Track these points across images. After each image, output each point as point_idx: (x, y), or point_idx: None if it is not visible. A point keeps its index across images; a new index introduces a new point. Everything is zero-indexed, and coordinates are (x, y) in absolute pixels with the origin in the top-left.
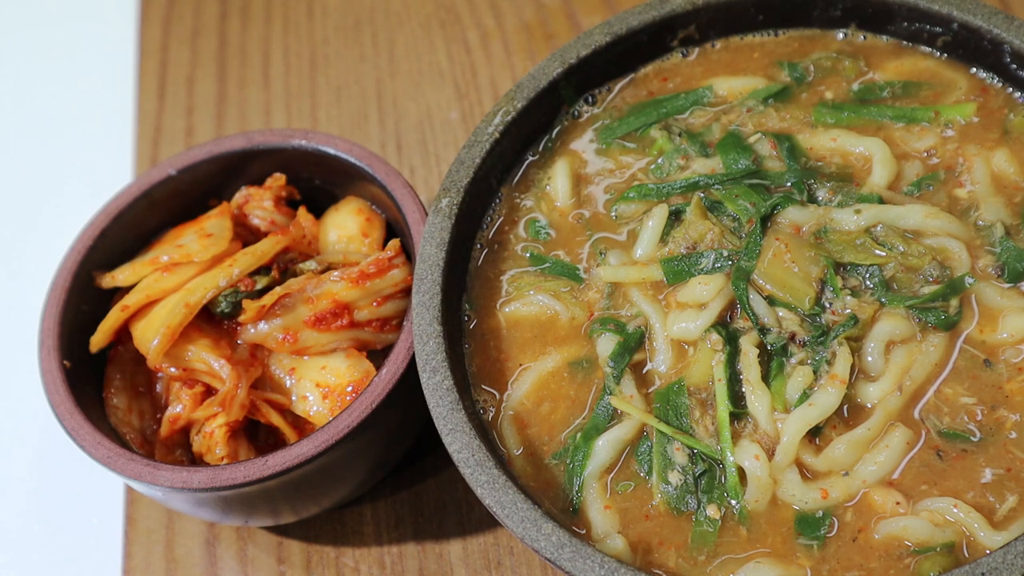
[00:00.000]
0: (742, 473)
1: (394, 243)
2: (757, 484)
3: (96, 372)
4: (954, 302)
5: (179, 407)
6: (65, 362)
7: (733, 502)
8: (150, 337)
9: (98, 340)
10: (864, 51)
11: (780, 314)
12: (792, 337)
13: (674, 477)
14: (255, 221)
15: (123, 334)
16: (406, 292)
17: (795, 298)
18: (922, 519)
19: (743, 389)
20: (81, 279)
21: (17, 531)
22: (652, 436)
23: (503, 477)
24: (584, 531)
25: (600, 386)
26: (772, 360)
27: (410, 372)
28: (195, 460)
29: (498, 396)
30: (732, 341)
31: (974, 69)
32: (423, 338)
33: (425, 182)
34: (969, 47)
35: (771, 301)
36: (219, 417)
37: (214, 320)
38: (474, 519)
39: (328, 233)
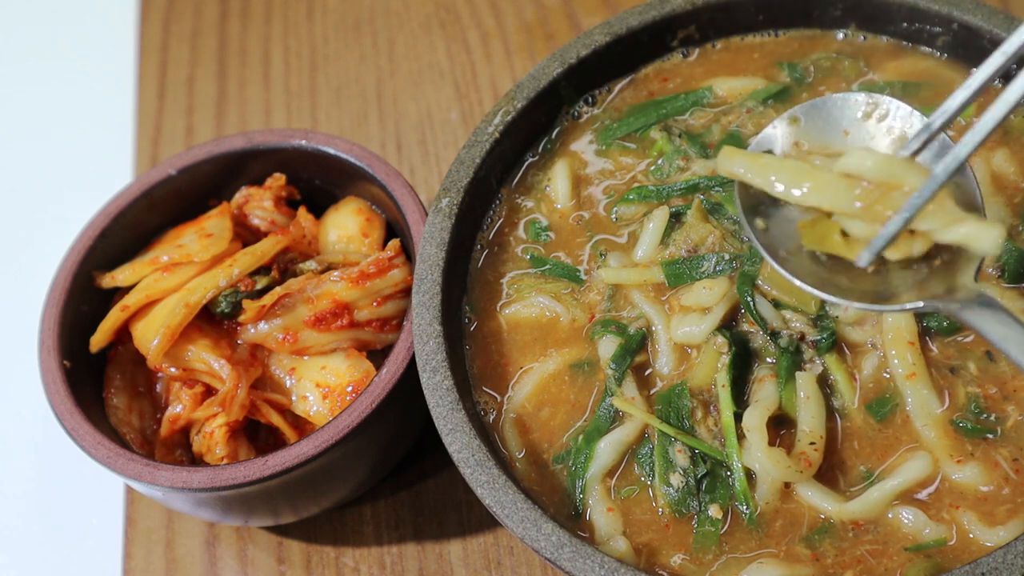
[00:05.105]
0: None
1: (394, 243)
2: (769, 485)
3: (96, 372)
4: None
5: (179, 407)
6: (65, 362)
7: (741, 506)
8: (150, 337)
9: (98, 340)
10: (864, 51)
11: (786, 316)
12: (802, 337)
13: (676, 479)
14: (255, 221)
15: (123, 334)
16: (406, 292)
17: (801, 302)
18: (922, 513)
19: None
20: (81, 279)
21: (17, 531)
22: (654, 438)
23: (503, 477)
24: (588, 534)
25: (601, 389)
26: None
27: (410, 372)
28: (195, 460)
29: (499, 399)
30: (736, 343)
31: (974, 69)
32: (423, 338)
33: (425, 182)
34: (969, 47)
35: (776, 304)
36: (219, 417)
37: (214, 320)
38: (474, 519)
39: (328, 233)
